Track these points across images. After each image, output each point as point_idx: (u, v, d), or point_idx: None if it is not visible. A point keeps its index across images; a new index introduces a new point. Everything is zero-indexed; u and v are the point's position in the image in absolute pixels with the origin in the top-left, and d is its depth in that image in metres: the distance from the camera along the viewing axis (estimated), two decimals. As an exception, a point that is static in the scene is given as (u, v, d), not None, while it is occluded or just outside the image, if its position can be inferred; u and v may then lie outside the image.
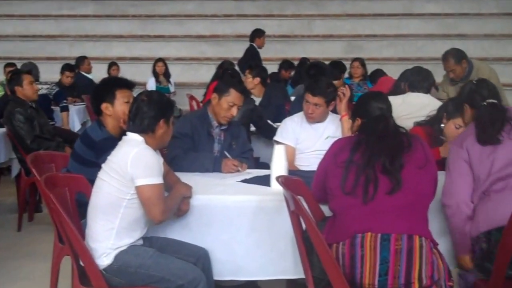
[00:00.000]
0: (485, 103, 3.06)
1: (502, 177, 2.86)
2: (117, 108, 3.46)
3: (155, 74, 10.55)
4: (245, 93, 4.17)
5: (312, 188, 2.96)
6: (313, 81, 4.48)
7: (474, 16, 12.05)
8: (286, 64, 9.38)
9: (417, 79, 5.02)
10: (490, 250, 2.80)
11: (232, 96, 4.00)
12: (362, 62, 8.68)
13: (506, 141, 2.91)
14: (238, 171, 3.77)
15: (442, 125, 3.79)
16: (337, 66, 7.22)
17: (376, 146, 2.69)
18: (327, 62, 7.27)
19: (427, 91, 4.96)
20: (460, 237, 2.94)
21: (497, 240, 2.73)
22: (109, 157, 2.91)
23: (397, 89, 5.23)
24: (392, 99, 4.96)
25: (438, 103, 4.30)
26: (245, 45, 10.20)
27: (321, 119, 4.38)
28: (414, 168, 2.66)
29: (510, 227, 2.58)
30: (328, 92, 4.30)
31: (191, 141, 3.97)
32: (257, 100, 6.08)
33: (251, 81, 6.23)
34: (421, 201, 2.65)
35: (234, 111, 4.01)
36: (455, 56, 5.86)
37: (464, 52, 5.94)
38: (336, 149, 2.82)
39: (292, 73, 9.00)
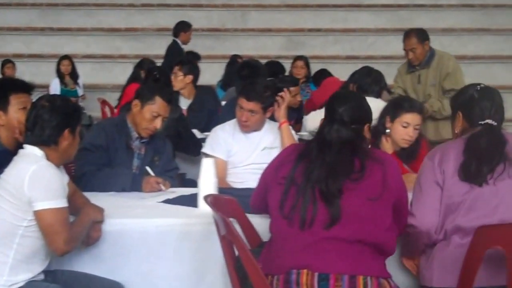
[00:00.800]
0: (483, 123, 2.92)
1: (467, 230, 2.78)
2: (12, 116, 3.39)
3: (60, 74, 10.42)
4: (172, 102, 4.16)
5: (252, 197, 2.97)
6: (247, 83, 4.50)
7: (431, 8, 12.39)
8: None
9: (366, 82, 5.13)
10: None
11: (157, 105, 3.99)
12: (306, 61, 8.80)
13: (489, 187, 2.83)
14: (161, 190, 3.76)
15: (388, 130, 3.90)
16: (273, 66, 7.27)
17: (317, 161, 2.67)
18: (264, 61, 7.33)
19: (377, 95, 5.07)
20: (413, 249, 3.02)
21: None
22: (1, 175, 2.85)
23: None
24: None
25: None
26: (168, 40, 10.17)
27: (257, 127, 4.41)
28: (362, 199, 2.60)
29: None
30: (265, 97, 4.33)
31: (105, 155, 3.94)
32: (186, 102, 6.03)
33: (182, 79, 6.14)
34: (373, 239, 2.61)
35: (158, 123, 4.00)
36: (419, 34, 6.07)
37: (428, 35, 6.13)
38: (279, 160, 2.80)
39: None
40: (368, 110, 2.92)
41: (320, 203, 2.60)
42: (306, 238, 2.59)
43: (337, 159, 2.65)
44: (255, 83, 4.44)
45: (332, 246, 2.57)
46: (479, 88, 3.04)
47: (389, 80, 6.38)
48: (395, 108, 3.92)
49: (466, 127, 3.01)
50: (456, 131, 3.08)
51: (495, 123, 2.94)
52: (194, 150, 5.16)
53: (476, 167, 2.83)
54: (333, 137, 2.70)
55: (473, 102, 2.98)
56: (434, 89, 5.95)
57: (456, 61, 6.16)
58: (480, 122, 2.94)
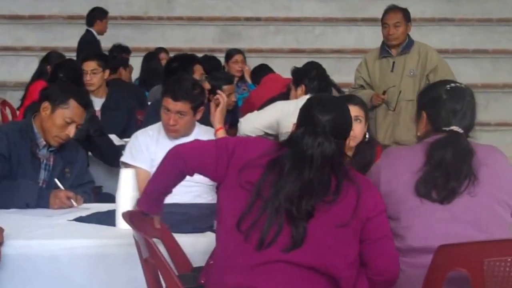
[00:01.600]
0: (447, 130, 2.92)
1: (418, 249, 2.80)
2: None
3: (-49, 69, 10.25)
4: (89, 106, 4.15)
5: (187, 148, 2.90)
6: (172, 81, 4.48)
7: (386, -6, 12.59)
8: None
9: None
10: None
11: (72, 110, 3.97)
12: (244, 55, 8.84)
13: (443, 204, 2.85)
14: (72, 206, 3.75)
15: None
16: (209, 61, 7.28)
17: (289, 176, 2.63)
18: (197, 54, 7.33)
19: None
20: None
21: None
22: None
23: (291, 92, 5.40)
24: (281, 105, 5.15)
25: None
26: (81, 30, 10.09)
27: (186, 132, 4.40)
28: (330, 225, 2.62)
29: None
30: (195, 95, 4.33)
31: (6, 165, 3.92)
32: (98, 102, 5.97)
33: (101, 76, 6.12)
34: (331, 271, 2.62)
35: (72, 130, 3.98)
36: (405, 12, 6.27)
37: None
38: (247, 160, 2.71)
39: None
40: (350, 122, 2.89)
41: (285, 224, 2.59)
42: (259, 258, 2.61)
43: (316, 177, 2.63)
44: (182, 80, 4.42)
45: (284, 269, 2.59)
46: (448, 88, 3.02)
47: (339, 77, 6.47)
48: None
49: (430, 130, 3.01)
50: (418, 134, 3.08)
51: (462, 131, 2.93)
52: (111, 159, 5.13)
53: (443, 183, 2.83)
54: (316, 152, 2.64)
55: (440, 104, 2.97)
56: (412, 79, 6.10)
57: (441, 59, 6.33)
58: (444, 129, 2.94)
